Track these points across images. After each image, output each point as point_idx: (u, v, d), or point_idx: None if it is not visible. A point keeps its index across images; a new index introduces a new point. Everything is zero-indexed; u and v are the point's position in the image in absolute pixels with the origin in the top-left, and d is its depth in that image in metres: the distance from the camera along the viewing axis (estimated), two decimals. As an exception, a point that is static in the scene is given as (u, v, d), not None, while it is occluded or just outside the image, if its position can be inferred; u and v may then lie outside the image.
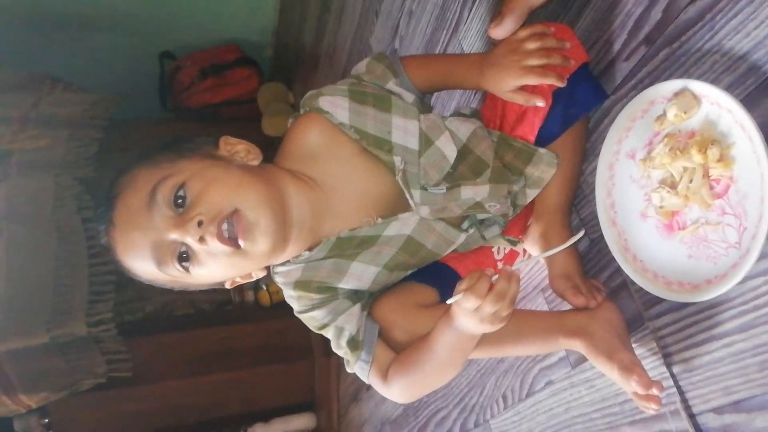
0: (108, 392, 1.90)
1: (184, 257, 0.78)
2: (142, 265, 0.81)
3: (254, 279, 0.87)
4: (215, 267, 0.79)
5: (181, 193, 0.78)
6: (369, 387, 1.85)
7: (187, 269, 0.79)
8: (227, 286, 0.87)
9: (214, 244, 0.77)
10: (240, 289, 2.35)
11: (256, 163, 0.86)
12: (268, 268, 0.87)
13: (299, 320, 0.91)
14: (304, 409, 2.24)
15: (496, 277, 0.73)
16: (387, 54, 0.95)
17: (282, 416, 2.21)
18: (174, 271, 0.79)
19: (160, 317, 2.22)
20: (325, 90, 0.88)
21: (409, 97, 0.92)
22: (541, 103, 0.84)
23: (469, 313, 0.73)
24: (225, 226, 0.77)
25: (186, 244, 0.78)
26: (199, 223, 0.76)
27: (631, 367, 0.76)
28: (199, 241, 0.76)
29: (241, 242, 0.77)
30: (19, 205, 1.74)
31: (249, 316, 2.31)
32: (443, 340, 0.79)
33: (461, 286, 0.73)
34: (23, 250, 1.71)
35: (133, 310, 2.14)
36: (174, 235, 0.77)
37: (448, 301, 0.74)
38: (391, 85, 0.91)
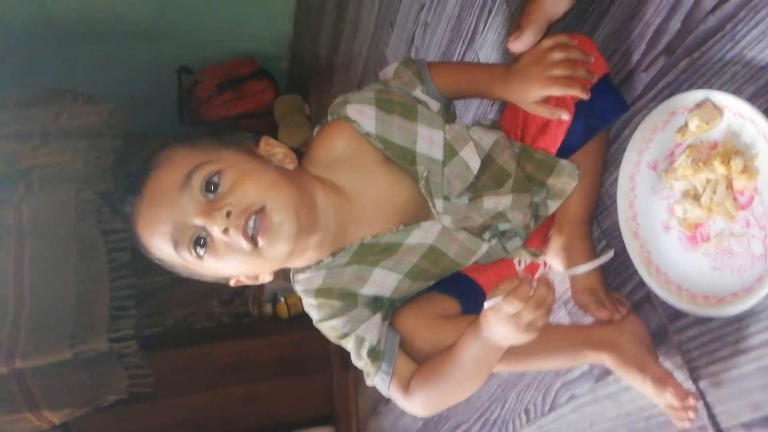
0: (129, 407, 1.90)
1: (201, 243, 0.78)
2: (158, 243, 0.80)
3: (260, 282, 0.87)
4: (229, 260, 0.79)
5: (215, 179, 0.78)
6: (388, 400, 1.84)
7: (201, 256, 0.79)
8: (232, 283, 0.86)
9: (237, 238, 0.76)
10: (258, 301, 2.36)
11: (291, 167, 0.86)
12: (277, 272, 0.87)
13: (318, 332, 0.90)
14: (322, 423, 2.24)
15: (534, 284, 0.71)
16: (415, 59, 0.95)
17: (301, 429, 2.20)
18: (188, 255, 0.79)
19: (180, 330, 2.24)
20: (352, 97, 0.88)
21: (435, 105, 0.92)
22: (566, 116, 0.83)
23: (506, 318, 0.70)
24: (251, 223, 0.77)
25: (207, 232, 0.78)
26: (228, 214, 0.76)
27: (665, 379, 0.75)
28: (223, 232, 0.76)
29: (260, 240, 0.77)
30: (41, 220, 1.76)
31: (267, 328, 2.31)
32: (470, 350, 0.77)
33: (501, 288, 0.71)
34: (46, 265, 1.73)
35: (152, 323, 2.16)
36: (199, 221, 0.77)
37: (486, 304, 0.71)
38: (418, 92, 0.91)
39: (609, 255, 0.72)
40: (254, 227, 0.77)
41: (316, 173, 0.87)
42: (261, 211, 0.77)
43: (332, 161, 0.87)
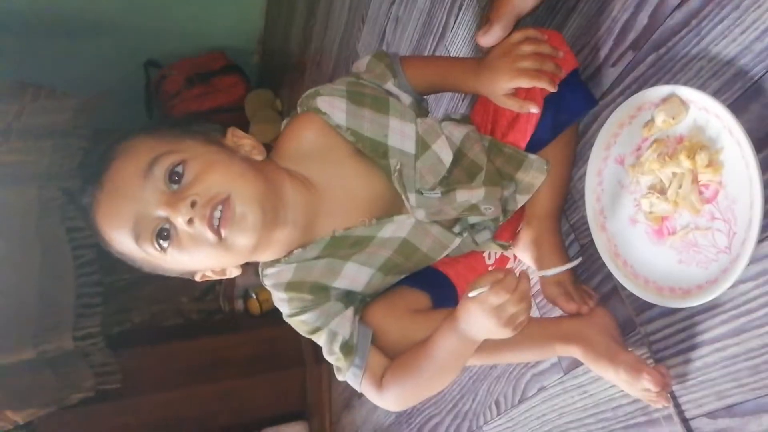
0: (96, 406, 1.88)
1: (164, 236, 0.76)
2: (119, 235, 0.78)
3: (227, 276, 0.85)
4: (194, 253, 0.77)
5: (179, 170, 0.76)
6: (361, 395, 1.84)
7: (164, 249, 0.76)
8: (198, 278, 0.84)
9: (202, 229, 0.75)
10: (229, 297, 2.33)
11: (260, 158, 0.85)
12: (246, 267, 0.86)
13: (290, 328, 0.88)
14: (295, 418, 2.23)
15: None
16: (388, 53, 0.95)
17: (273, 425, 2.19)
18: (150, 249, 0.77)
19: (149, 328, 2.20)
20: (323, 89, 0.87)
21: (407, 98, 0.92)
22: (535, 110, 0.84)
23: (489, 310, 0.70)
24: (217, 213, 0.75)
25: (171, 223, 0.75)
26: (192, 204, 0.74)
27: (638, 365, 0.76)
28: (188, 222, 0.74)
29: (223, 231, 0.75)
30: (3, 218, 1.72)
31: (239, 324, 2.30)
32: (446, 343, 0.77)
33: (485, 279, 0.70)
34: (7, 264, 1.69)
35: (120, 321, 2.12)
36: (162, 212, 0.75)
37: (470, 294, 0.70)
38: (390, 85, 0.91)
39: (578, 260, 0.73)
40: (219, 218, 0.75)
41: (285, 166, 0.85)
42: (226, 202, 0.75)
43: (301, 154, 0.86)
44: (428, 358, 0.79)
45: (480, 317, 0.71)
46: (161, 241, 0.76)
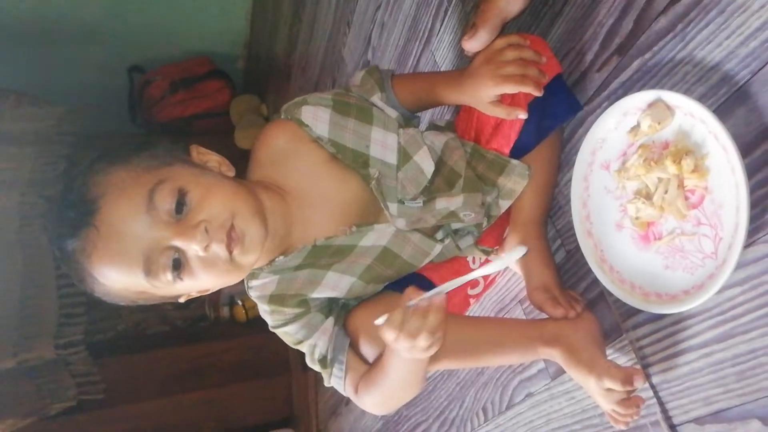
0: (79, 416, 1.84)
1: (177, 266, 0.76)
2: (122, 275, 0.76)
3: (209, 293, 0.84)
4: (204, 277, 0.77)
5: (183, 199, 0.75)
6: (348, 402, 1.83)
7: (181, 278, 0.76)
8: (182, 300, 0.84)
9: (222, 252, 0.76)
10: (215, 305, 2.31)
11: (231, 174, 0.85)
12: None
13: (276, 336, 0.90)
14: (282, 426, 2.21)
15: (414, 302, 0.69)
16: (380, 69, 0.95)
17: (260, 434, 2.17)
18: (163, 280, 0.76)
19: (133, 336, 2.18)
20: (311, 98, 0.88)
21: (392, 113, 0.92)
22: (523, 115, 0.83)
23: (391, 343, 0.70)
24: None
25: (181, 252, 0.75)
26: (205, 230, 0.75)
27: (618, 373, 0.75)
28: (205, 248, 0.74)
29: (234, 251, 0.76)
30: (-18, 226, 1.69)
31: (224, 332, 2.27)
32: (392, 364, 0.78)
33: (385, 317, 0.70)
34: (-13, 272, 1.66)
35: (104, 329, 2.09)
36: (177, 243, 0.75)
37: (375, 322, 0.71)
38: (376, 99, 0.91)
39: (522, 250, 0.72)
40: (229, 239, 0.76)
41: (260, 176, 0.86)
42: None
43: (274, 160, 0.87)
44: (384, 376, 0.80)
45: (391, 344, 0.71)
46: (176, 271, 0.76)
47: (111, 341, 2.10)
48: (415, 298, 0.69)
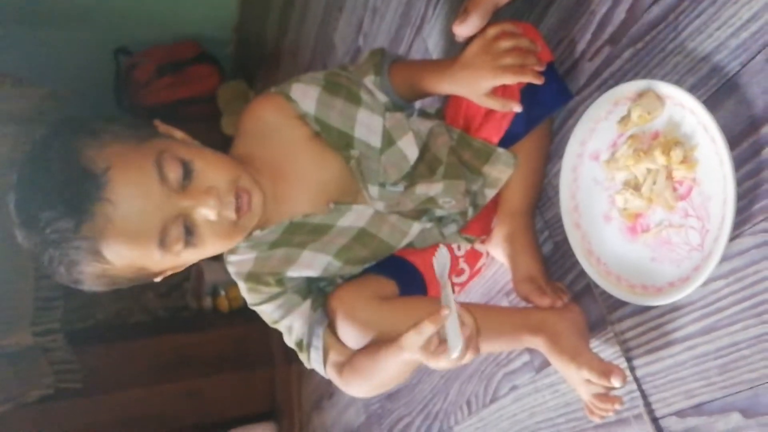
0: (56, 404, 1.82)
1: (187, 233, 0.75)
2: (135, 249, 0.73)
3: (182, 269, 0.83)
4: (210, 243, 0.77)
5: (190, 167, 0.74)
6: (331, 395, 1.82)
7: (193, 244, 0.76)
8: (158, 279, 0.82)
9: (232, 215, 0.76)
10: (197, 294, 2.29)
11: None
12: (211, 262, 0.85)
13: (260, 327, 0.90)
14: (264, 418, 2.20)
15: (447, 312, 0.68)
16: (385, 52, 0.92)
17: (242, 426, 2.15)
18: (174, 250, 0.75)
19: (113, 325, 2.15)
20: (303, 77, 0.88)
21: (382, 98, 0.90)
22: (517, 109, 0.82)
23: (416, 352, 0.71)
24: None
25: (190, 219, 0.74)
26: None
27: (601, 366, 0.75)
28: (217, 213, 0.74)
29: (242, 215, 0.78)
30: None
31: (207, 322, 2.25)
32: (392, 362, 0.77)
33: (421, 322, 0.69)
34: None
35: (83, 317, 2.06)
36: (194, 210, 0.74)
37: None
38: (368, 81, 0.90)
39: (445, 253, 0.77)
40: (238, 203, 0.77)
41: (242, 146, 0.86)
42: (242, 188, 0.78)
43: (256, 133, 0.86)
44: (378, 368, 0.79)
45: (413, 355, 0.72)
46: (188, 237, 0.75)
47: (91, 330, 2.08)
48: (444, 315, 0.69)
